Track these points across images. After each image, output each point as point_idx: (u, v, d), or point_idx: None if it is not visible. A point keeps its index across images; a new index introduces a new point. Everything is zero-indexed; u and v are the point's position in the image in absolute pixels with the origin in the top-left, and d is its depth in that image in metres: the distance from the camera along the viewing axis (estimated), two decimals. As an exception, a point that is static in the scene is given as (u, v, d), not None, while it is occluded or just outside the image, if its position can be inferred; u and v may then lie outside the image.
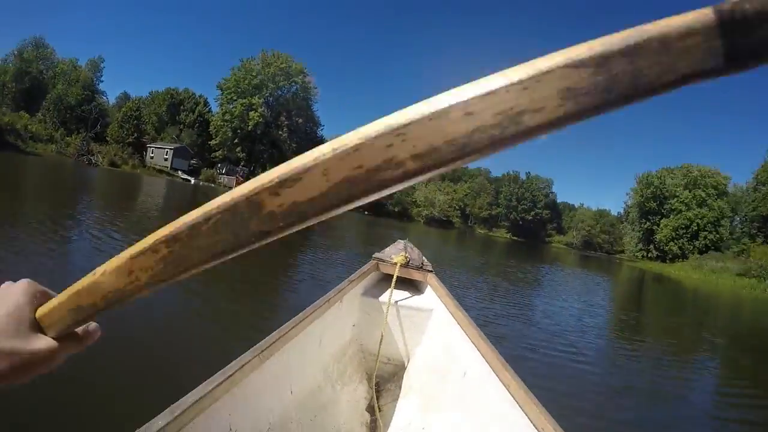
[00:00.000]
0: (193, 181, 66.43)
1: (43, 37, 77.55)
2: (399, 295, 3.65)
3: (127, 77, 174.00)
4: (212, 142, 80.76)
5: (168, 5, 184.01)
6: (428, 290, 3.78)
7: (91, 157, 58.72)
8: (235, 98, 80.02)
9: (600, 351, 9.26)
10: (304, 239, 16.08)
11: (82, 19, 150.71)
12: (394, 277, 3.59)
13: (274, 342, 2.17)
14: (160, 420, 1.42)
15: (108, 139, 69.01)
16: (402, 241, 4.10)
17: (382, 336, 3.34)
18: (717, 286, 40.88)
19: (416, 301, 3.65)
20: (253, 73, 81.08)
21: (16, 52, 74.52)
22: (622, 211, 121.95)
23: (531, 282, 20.33)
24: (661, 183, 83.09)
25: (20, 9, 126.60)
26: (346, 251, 15.60)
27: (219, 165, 78.40)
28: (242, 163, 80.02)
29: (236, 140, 79.73)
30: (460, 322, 3.06)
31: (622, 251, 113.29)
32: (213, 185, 68.84)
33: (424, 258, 3.91)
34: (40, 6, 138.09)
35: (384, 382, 3.55)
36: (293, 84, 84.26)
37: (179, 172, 69.73)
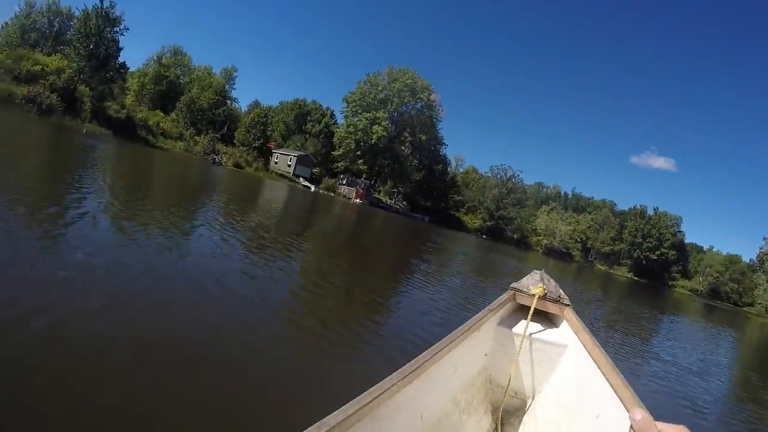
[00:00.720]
0: (313, 189, 65.99)
1: (181, 46, 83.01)
2: (534, 327, 3.54)
3: (259, 88, 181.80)
4: (335, 153, 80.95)
5: (301, 21, 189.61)
6: (564, 324, 3.59)
7: (216, 156, 59.79)
8: (359, 111, 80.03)
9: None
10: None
11: (219, 32, 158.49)
12: (531, 309, 3.47)
13: (414, 369, 2.19)
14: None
15: (235, 141, 70.65)
16: (538, 272, 3.79)
17: (512, 369, 3.31)
18: None
19: (551, 334, 3.52)
20: (379, 88, 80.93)
21: (156, 57, 79.98)
22: (755, 258, 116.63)
23: (657, 331, 18.98)
24: None
25: (161, 19, 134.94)
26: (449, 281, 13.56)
27: (341, 176, 78.11)
28: (364, 176, 79.33)
29: (358, 152, 79.55)
30: (596, 360, 2.91)
31: (751, 304, 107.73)
32: (332, 194, 68.83)
33: (561, 291, 3.68)
34: (180, 17, 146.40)
35: (508, 416, 3.46)
36: (418, 100, 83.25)
37: (301, 179, 69.43)
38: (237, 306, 5.89)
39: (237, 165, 61.51)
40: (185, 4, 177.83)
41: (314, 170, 76.39)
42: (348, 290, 8.31)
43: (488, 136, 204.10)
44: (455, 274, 14.70)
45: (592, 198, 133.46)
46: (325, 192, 68.49)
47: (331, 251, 10.60)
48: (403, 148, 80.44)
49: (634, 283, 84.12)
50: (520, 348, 3.38)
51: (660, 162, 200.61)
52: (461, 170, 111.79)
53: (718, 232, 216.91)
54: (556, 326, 3.69)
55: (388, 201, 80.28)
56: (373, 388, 1.92)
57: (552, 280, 3.80)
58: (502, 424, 3.38)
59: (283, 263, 8.63)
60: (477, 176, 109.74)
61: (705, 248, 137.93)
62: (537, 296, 3.56)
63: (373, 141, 77.88)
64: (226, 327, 5.10)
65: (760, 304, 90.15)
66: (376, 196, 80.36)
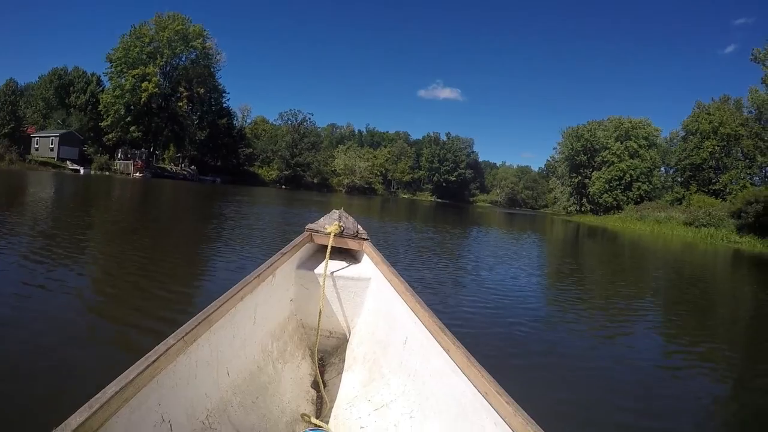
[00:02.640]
0: (82, 171, 59.07)
1: None
2: (336, 265, 3.67)
3: (16, 62, 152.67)
4: (102, 123, 72.72)
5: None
6: (365, 258, 3.82)
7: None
8: (125, 70, 72.30)
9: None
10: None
11: None
12: (329, 247, 3.55)
13: (199, 323, 2.07)
14: (77, 417, 1.34)
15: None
16: (337, 211, 3.98)
17: (321, 309, 3.38)
18: (671, 237, 41.32)
19: (353, 270, 3.67)
20: (146, 40, 73.75)
21: None
22: (543, 167, 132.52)
23: (472, 244, 19.85)
24: (591, 136, 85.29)
25: None
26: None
27: (119, 150, 70.43)
28: (143, 146, 72.76)
29: (129, 118, 72.29)
30: (397, 288, 3.07)
31: (546, 206, 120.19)
32: (108, 173, 62.78)
33: (359, 226, 3.87)
34: None
35: (327, 356, 3.57)
36: (192, 49, 77.80)
37: (68, 162, 61.15)
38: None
39: (-17, 161, 52.56)
40: None
41: (84, 149, 67.93)
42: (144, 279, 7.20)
43: (274, 82, 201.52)
44: (249, 238, 13.66)
45: (387, 132, 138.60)
46: (99, 172, 62.43)
47: (108, 253, 9.29)
48: (180, 104, 75.76)
49: (439, 205, 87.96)
50: (324, 287, 3.41)
51: (446, 92, 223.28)
52: (249, 122, 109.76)
53: (507, 148, 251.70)
54: (358, 261, 3.86)
55: (174, 168, 74.50)
56: (153, 349, 1.77)
57: (350, 217, 3.94)
58: (321, 366, 3.43)
59: (60, 274, 6.98)
60: (268, 126, 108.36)
61: (498, 164, 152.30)
62: (333, 234, 3.65)
63: (143, 100, 71.32)
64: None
65: (558, 204, 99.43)
66: (160, 165, 74.89)
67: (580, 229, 45.26)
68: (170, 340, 1.86)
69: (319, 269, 3.53)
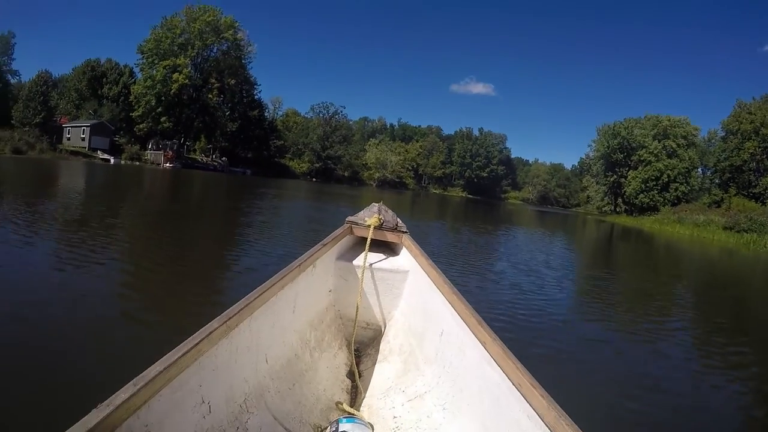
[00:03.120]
0: (113, 161, 59.14)
1: None
2: (374, 257, 3.70)
3: (52, 54, 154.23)
4: (134, 114, 72.46)
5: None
6: (403, 251, 3.82)
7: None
8: (157, 61, 71.90)
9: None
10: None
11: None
12: (368, 240, 3.58)
13: (242, 309, 2.12)
14: (122, 393, 1.39)
15: (13, 122, 59.70)
16: (376, 204, 4.00)
17: (359, 301, 3.41)
18: (711, 242, 39.55)
19: (392, 263, 3.72)
20: (177, 31, 73.36)
21: None
22: (577, 165, 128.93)
23: (502, 242, 19.78)
24: (628, 134, 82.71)
25: None
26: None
27: (151, 141, 70.33)
28: (175, 137, 72.66)
29: (160, 109, 71.89)
30: (435, 281, 3.09)
31: (578, 204, 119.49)
32: (138, 163, 62.85)
33: (398, 219, 3.91)
34: None
35: (363, 347, 3.61)
36: (223, 41, 77.21)
37: (99, 152, 61.42)
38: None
39: (17, 150, 52.39)
40: None
41: (115, 139, 68.15)
42: (176, 270, 7.46)
43: (306, 74, 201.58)
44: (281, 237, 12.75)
45: (419, 126, 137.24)
46: (129, 162, 62.45)
47: (139, 239, 9.54)
48: (210, 96, 74.98)
49: (470, 201, 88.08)
50: (363, 279, 3.44)
51: (479, 88, 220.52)
52: (280, 114, 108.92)
53: (540, 145, 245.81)
54: (396, 254, 3.89)
55: (205, 159, 74.30)
56: (196, 332, 1.81)
57: (389, 211, 3.98)
58: (357, 356, 3.46)
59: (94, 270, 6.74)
60: (299, 118, 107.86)
61: (530, 161, 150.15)
62: (373, 226, 3.68)
63: (173, 91, 70.95)
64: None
65: (591, 203, 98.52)
66: (191, 156, 75.11)
67: (619, 231, 43.77)
68: (214, 323, 1.90)
69: (358, 261, 3.57)
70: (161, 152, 67.08)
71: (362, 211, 3.94)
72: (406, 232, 3.83)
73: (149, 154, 67.33)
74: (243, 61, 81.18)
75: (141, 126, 72.05)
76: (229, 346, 2.03)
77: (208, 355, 1.84)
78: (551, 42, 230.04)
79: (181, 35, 73.47)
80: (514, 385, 1.91)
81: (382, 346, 3.46)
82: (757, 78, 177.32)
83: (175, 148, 69.50)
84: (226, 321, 1.95)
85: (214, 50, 77.15)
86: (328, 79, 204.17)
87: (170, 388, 1.60)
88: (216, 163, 74.38)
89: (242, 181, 46.91)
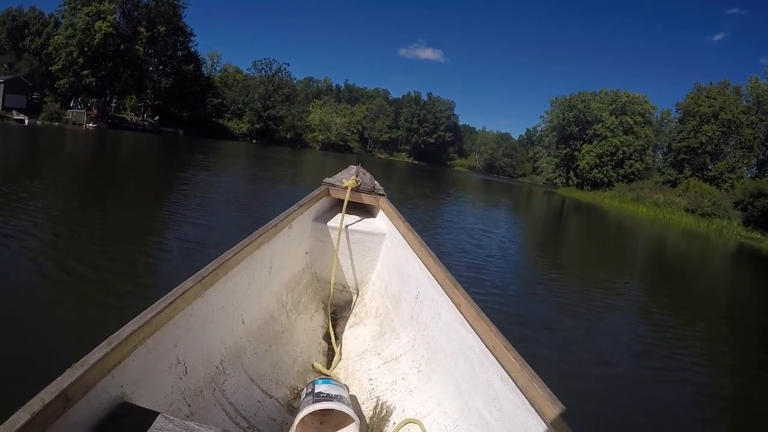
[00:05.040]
0: (27, 122, 50.96)
1: None
2: (351, 220, 3.74)
3: None
4: (53, 68, 63.47)
5: None
6: (380, 214, 3.89)
7: None
8: (79, 7, 62.95)
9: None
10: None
11: None
12: (345, 202, 3.65)
13: (216, 268, 2.11)
14: (96, 353, 1.39)
15: None
16: (354, 167, 4.05)
17: (335, 263, 3.45)
18: (679, 225, 41.09)
19: (368, 225, 3.76)
20: (104, -28, 64.02)
21: None
22: (524, 135, 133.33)
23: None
24: (585, 107, 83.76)
25: None
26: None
27: (76, 100, 62.68)
28: (102, 93, 65.18)
29: (81, 61, 63.09)
30: (411, 244, 3.13)
31: (524, 175, 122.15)
32: (57, 124, 55.00)
33: (375, 182, 3.96)
34: None
35: (340, 309, 3.68)
36: None
37: (13, 112, 53.10)
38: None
39: None
40: None
41: (34, 96, 59.43)
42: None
43: (248, 28, 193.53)
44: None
45: (366, 88, 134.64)
46: (47, 123, 54.48)
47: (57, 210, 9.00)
48: (138, 47, 67.00)
49: (416, 167, 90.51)
50: (339, 241, 3.48)
51: (428, 53, 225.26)
52: (218, 70, 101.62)
53: (488, 113, 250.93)
54: (373, 216, 3.96)
55: (134, 119, 66.97)
56: (171, 291, 1.78)
57: (367, 173, 3.98)
58: (334, 319, 3.50)
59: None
60: (240, 76, 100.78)
61: (478, 129, 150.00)
62: (350, 188, 3.69)
63: (97, 41, 62.29)
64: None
65: (541, 174, 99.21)
66: (120, 115, 67.07)
67: (579, 207, 45.37)
68: (188, 282, 1.88)
69: (335, 223, 3.59)
70: (83, 111, 59.39)
71: (340, 173, 3.92)
72: (383, 194, 3.85)
73: (71, 114, 59.17)
74: (177, 10, 72.80)
75: (62, 82, 63.11)
76: (204, 305, 2.00)
77: (183, 314, 1.82)
78: (503, 12, 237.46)
79: (107, -24, 65.07)
80: (487, 347, 1.95)
81: (359, 308, 3.52)
82: (706, 64, 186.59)
83: (100, 106, 61.98)
84: (200, 280, 1.92)
85: (145, -4, 69.26)
86: (272, 34, 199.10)
87: (145, 348, 1.59)
88: (146, 123, 67.11)
89: (168, 143, 42.56)
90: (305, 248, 3.57)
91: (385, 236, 3.62)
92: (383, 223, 3.71)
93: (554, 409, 1.54)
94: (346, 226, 3.55)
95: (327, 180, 3.81)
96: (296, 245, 3.39)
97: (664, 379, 5.96)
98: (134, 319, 1.54)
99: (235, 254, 2.25)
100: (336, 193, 3.77)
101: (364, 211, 3.95)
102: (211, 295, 2.04)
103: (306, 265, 3.56)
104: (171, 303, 1.70)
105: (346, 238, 3.57)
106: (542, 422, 1.57)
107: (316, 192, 3.65)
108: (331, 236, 3.56)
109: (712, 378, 6.36)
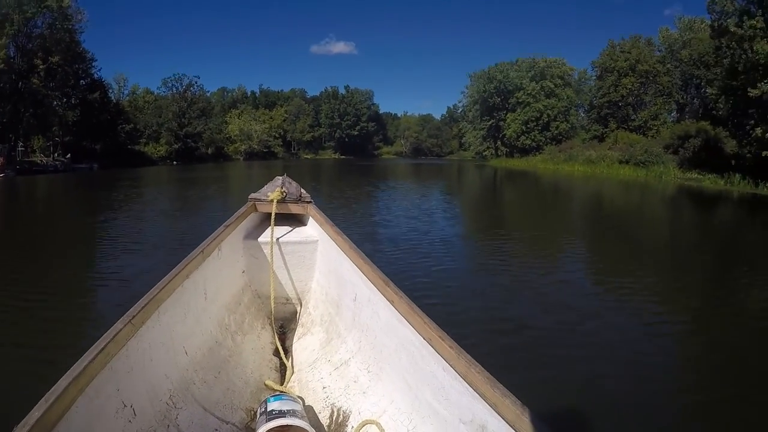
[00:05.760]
0: None
1: None
2: (282, 231, 3.76)
3: None
4: (-55, 115, 58.01)
5: None
6: (311, 222, 3.92)
7: None
8: (-32, 45, 57.51)
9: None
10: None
11: None
12: (273, 214, 3.63)
13: (146, 304, 2.08)
14: (36, 412, 1.37)
15: None
16: (279, 178, 4.05)
17: (272, 277, 3.44)
18: (623, 178, 41.53)
19: (300, 234, 3.79)
20: (-9, 6, 58.91)
21: None
22: (445, 113, 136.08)
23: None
24: (504, 77, 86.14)
25: None
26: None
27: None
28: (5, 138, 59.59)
29: (-25, 103, 58.09)
30: (342, 248, 3.16)
31: (452, 152, 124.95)
32: None
33: (302, 190, 3.99)
34: None
35: (287, 322, 3.67)
36: (46, 11, 63.28)
37: None
38: None
39: None
40: None
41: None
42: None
43: (152, 46, 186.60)
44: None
45: (282, 90, 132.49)
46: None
47: None
48: (36, 82, 61.17)
49: (343, 162, 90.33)
50: (272, 255, 3.46)
51: (340, 47, 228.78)
52: (126, 93, 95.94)
53: (408, 98, 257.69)
54: (304, 224, 3.98)
55: (44, 160, 62.19)
56: (104, 334, 1.78)
57: (293, 183, 3.99)
58: (282, 333, 3.51)
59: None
60: (150, 96, 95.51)
61: (400, 115, 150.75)
62: (275, 200, 3.70)
63: (-11, 80, 57.15)
64: None
65: (470, 149, 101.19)
66: (30, 159, 61.62)
67: (511, 175, 45.75)
68: (118, 325, 1.86)
69: (266, 237, 3.59)
70: (-19, 159, 54.53)
71: (265, 186, 3.93)
72: (310, 202, 3.88)
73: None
74: (73, 34, 67.87)
75: (-42, 130, 58.38)
76: (139, 344, 1.98)
77: (118, 357, 1.80)
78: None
79: (-3, 10, 59.69)
80: (425, 339, 2.00)
81: (304, 318, 3.54)
82: (614, 22, 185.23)
83: (5, 153, 56.90)
84: (130, 320, 1.91)
85: (39, 24, 63.38)
86: (178, 48, 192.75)
87: (86, 398, 1.57)
88: (57, 162, 62.43)
89: (83, 181, 38.10)
90: (241, 267, 3.57)
91: (317, 243, 3.65)
92: (314, 231, 3.75)
93: (494, 390, 1.56)
94: (278, 238, 3.57)
95: (252, 195, 3.82)
96: (230, 266, 3.37)
97: (617, 336, 5.82)
98: (69, 371, 1.51)
99: (163, 287, 2.23)
100: (263, 207, 3.80)
101: (295, 220, 4.00)
102: (145, 333, 2.02)
103: (245, 284, 3.57)
104: (103, 348, 1.67)
105: (280, 251, 3.58)
106: (485, 405, 1.60)
107: (243, 209, 3.68)
108: (264, 251, 3.55)
109: (665, 324, 6.37)
